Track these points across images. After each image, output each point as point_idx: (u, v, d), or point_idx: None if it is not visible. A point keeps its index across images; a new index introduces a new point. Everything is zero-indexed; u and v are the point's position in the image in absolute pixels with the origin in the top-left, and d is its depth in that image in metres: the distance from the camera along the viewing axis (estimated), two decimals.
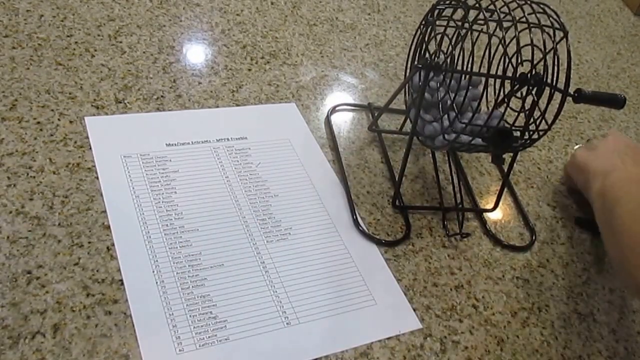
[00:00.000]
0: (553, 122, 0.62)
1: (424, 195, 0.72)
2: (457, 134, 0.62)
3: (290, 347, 0.53)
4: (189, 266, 0.57)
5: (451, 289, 0.63)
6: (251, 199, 0.65)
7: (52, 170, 0.60)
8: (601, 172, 0.69)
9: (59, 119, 0.65)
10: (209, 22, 0.86)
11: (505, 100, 0.64)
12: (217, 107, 0.74)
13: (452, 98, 0.62)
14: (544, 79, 0.61)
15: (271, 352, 0.53)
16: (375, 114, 0.77)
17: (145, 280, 0.54)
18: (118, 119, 0.68)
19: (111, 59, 0.74)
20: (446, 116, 0.63)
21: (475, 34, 0.60)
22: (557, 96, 0.61)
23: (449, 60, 0.63)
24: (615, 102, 0.64)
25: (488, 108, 0.71)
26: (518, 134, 0.64)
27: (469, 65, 0.65)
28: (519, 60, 0.59)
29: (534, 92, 0.62)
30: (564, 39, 0.60)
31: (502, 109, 0.63)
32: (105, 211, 0.58)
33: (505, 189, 0.73)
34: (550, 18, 0.61)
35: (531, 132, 0.63)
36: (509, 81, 0.62)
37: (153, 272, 0.55)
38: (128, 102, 0.70)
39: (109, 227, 0.57)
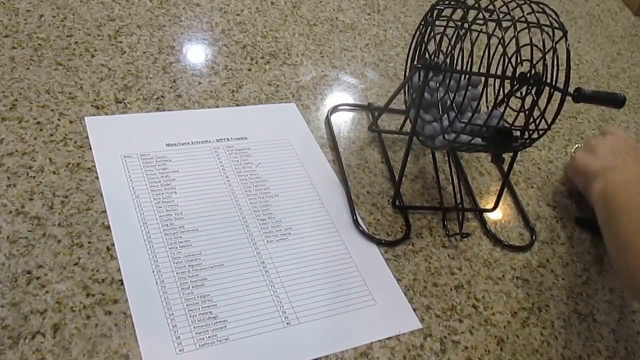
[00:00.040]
0: (553, 121, 0.62)
1: (424, 195, 0.72)
2: (457, 134, 0.62)
3: (290, 347, 0.53)
4: (189, 266, 0.57)
5: (451, 289, 0.63)
6: (251, 199, 0.65)
7: (52, 170, 0.60)
8: (602, 173, 0.68)
9: (59, 119, 0.65)
10: (209, 22, 0.86)
11: (505, 100, 0.64)
12: (217, 107, 0.74)
13: (451, 98, 0.62)
14: (544, 79, 0.61)
15: (271, 352, 0.53)
16: (375, 114, 0.77)
17: (145, 280, 0.54)
18: (118, 119, 0.68)
19: (111, 59, 0.75)
20: (446, 116, 0.63)
21: (475, 33, 0.60)
22: (557, 96, 0.61)
23: (448, 60, 0.63)
24: (615, 101, 0.64)
25: (488, 108, 0.71)
26: (518, 133, 0.64)
27: (469, 65, 0.65)
28: (519, 60, 0.59)
29: (533, 92, 0.62)
30: (563, 39, 0.60)
31: (501, 109, 0.63)
32: (105, 211, 0.58)
33: (505, 189, 0.73)
34: (550, 17, 0.61)
35: (531, 132, 0.63)
36: (509, 81, 0.62)
37: (153, 272, 0.55)
38: (128, 102, 0.70)
39: (109, 227, 0.57)
